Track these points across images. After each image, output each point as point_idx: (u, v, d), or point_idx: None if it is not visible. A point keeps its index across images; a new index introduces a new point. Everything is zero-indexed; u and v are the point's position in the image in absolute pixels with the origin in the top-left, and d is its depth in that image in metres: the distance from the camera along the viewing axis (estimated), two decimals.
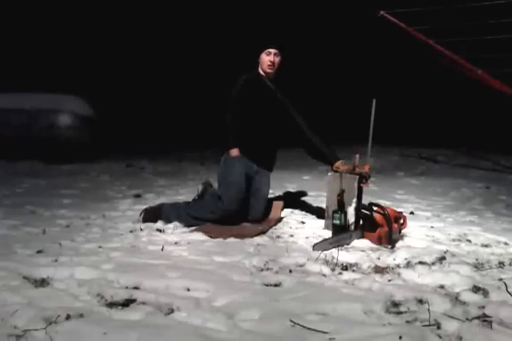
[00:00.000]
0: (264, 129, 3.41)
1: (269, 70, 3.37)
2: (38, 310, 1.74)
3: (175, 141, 11.46)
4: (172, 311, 1.81)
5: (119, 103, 12.68)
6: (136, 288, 2.05)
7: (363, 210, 2.97)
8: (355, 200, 3.10)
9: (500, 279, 2.19)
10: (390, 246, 2.78)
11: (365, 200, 3.13)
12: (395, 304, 1.91)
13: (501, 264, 2.50)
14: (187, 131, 12.09)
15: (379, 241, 2.83)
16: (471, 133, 10.49)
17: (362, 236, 2.89)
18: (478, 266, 2.46)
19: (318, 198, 4.47)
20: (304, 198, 4.51)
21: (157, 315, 1.77)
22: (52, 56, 13.39)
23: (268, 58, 3.34)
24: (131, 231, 3.16)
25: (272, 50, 3.34)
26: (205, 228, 3.19)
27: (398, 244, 2.87)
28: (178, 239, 2.95)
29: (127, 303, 1.88)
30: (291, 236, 3.12)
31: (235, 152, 3.33)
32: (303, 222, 3.50)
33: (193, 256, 2.55)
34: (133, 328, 1.62)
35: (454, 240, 3.10)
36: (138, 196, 4.70)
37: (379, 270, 2.39)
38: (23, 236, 2.97)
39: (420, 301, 1.92)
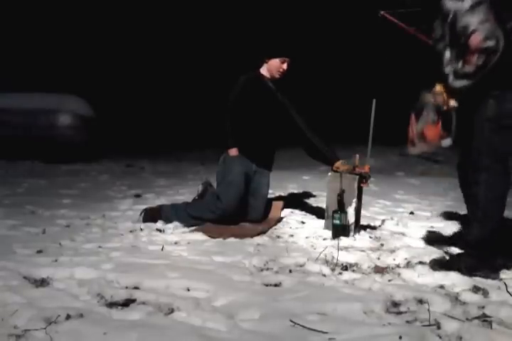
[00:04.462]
0: (263, 129, 3.41)
1: (278, 76, 3.41)
2: (38, 310, 1.74)
3: (175, 141, 11.47)
4: (172, 311, 1.81)
5: (119, 103, 12.69)
6: (136, 288, 2.05)
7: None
8: (355, 200, 3.11)
9: (501, 279, 2.19)
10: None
11: (365, 200, 3.13)
12: (395, 304, 1.91)
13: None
14: (187, 131, 12.10)
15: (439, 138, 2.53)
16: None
17: None
18: None
19: (318, 198, 4.48)
20: (304, 198, 4.52)
21: (157, 315, 1.77)
22: (52, 56, 13.39)
23: (282, 66, 3.38)
24: (131, 231, 3.16)
25: (288, 59, 3.38)
26: (205, 228, 3.19)
27: (398, 244, 2.88)
28: (178, 239, 2.95)
29: (127, 303, 1.88)
30: (291, 236, 3.12)
31: (233, 152, 3.33)
32: (303, 222, 3.50)
33: (193, 256, 2.55)
34: (133, 328, 1.62)
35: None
36: (138, 196, 4.71)
37: (379, 270, 2.39)
38: (23, 236, 2.97)
39: (420, 301, 1.92)
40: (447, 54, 2.30)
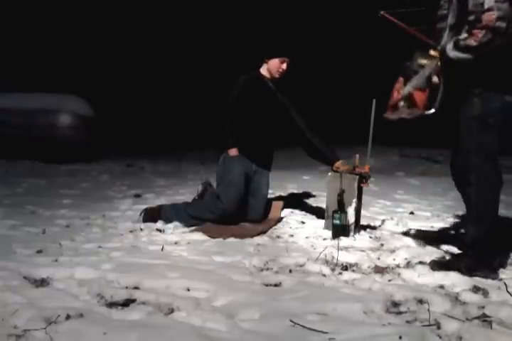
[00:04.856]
0: (263, 129, 3.41)
1: (278, 76, 3.41)
2: (38, 310, 1.74)
3: (175, 141, 11.47)
4: (172, 311, 1.81)
5: (119, 103, 12.69)
6: (136, 288, 2.05)
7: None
8: (355, 200, 3.10)
9: (500, 279, 2.19)
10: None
11: (365, 200, 3.13)
12: (395, 304, 1.91)
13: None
14: (187, 131, 12.10)
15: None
16: None
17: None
18: None
19: (318, 198, 4.47)
20: (303, 198, 4.52)
21: (157, 315, 1.77)
22: (52, 56, 13.39)
23: (282, 66, 3.38)
24: (131, 231, 3.16)
25: (288, 59, 3.38)
26: (205, 228, 3.19)
27: (398, 244, 2.87)
28: (178, 239, 2.95)
29: (127, 303, 1.88)
30: (291, 236, 3.12)
31: (233, 152, 3.33)
32: (303, 222, 3.50)
33: (193, 256, 2.55)
34: (133, 328, 1.62)
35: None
36: (138, 196, 4.70)
37: (379, 270, 2.39)
38: (23, 236, 2.97)
39: (420, 301, 1.92)
40: (445, 35, 2.29)
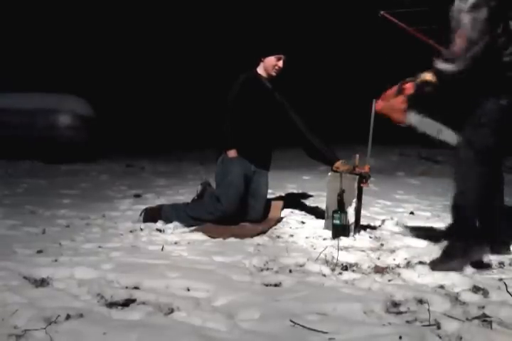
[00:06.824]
0: (262, 129, 3.41)
1: (274, 74, 3.40)
2: (38, 310, 1.74)
3: (175, 141, 11.46)
4: (172, 311, 1.81)
5: (119, 103, 12.69)
6: (136, 288, 2.05)
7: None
8: (355, 200, 3.11)
9: (500, 279, 2.19)
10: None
11: (365, 200, 3.13)
12: (395, 304, 1.91)
13: (501, 264, 2.49)
14: (187, 131, 12.10)
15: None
16: None
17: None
18: None
19: (318, 198, 4.47)
20: (303, 198, 4.51)
21: (157, 315, 1.77)
22: (52, 56, 13.39)
23: (278, 63, 3.38)
24: (131, 231, 3.16)
25: (283, 56, 3.38)
26: (205, 228, 3.19)
27: (398, 244, 2.87)
28: (178, 239, 2.96)
29: (127, 303, 1.88)
30: (291, 236, 3.12)
31: (232, 153, 3.33)
32: (303, 222, 3.50)
33: (193, 256, 2.55)
34: (133, 328, 1.62)
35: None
36: (138, 196, 4.70)
37: (379, 270, 2.39)
38: (23, 236, 2.98)
39: (420, 301, 1.92)
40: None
